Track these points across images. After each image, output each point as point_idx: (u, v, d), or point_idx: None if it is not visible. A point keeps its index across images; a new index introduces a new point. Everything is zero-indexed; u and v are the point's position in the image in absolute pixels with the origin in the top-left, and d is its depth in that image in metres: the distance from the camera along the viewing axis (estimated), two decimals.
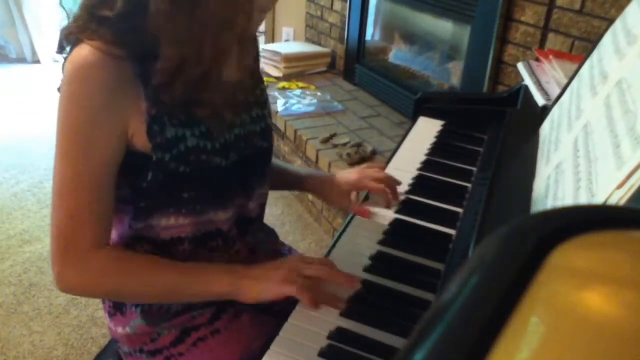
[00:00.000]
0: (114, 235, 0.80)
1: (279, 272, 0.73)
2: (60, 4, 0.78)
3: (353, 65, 2.72)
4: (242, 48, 0.73)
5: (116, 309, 0.85)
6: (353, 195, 0.99)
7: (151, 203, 0.77)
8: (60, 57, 0.75)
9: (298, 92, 2.60)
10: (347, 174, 1.00)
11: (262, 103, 0.87)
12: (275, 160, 1.02)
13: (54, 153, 0.71)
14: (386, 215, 0.94)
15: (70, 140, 0.69)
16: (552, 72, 1.11)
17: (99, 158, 0.70)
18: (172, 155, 0.73)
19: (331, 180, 1.00)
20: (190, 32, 0.67)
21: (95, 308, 1.76)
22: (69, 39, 0.71)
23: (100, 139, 0.69)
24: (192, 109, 0.73)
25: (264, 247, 0.95)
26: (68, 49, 0.73)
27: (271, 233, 1.02)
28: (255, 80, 0.87)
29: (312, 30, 3.04)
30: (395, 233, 0.89)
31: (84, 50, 0.67)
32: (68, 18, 0.73)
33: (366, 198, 0.99)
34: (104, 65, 0.67)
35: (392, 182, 0.98)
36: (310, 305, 0.72)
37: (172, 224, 0.78)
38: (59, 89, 0.71)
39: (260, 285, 0.73)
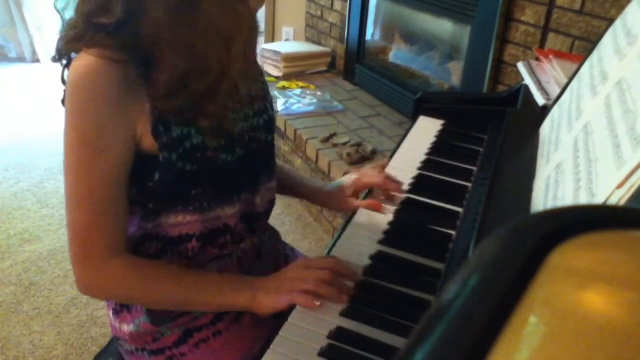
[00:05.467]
0: None
1: (286, 282, 0.75)
2: (55, 6, 0.77)
3: (353, 64, 2.72)
4: (245, 50, 0.73)
5: (123, 306, 0.85)
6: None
7: (159, 202, 0.77)
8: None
9: (298, 91, 2.59)
10: (347, 177, 1.02)
11: (264, 95, 0.88)
12: (284, 166, 1.05)
13: (63, 162, 0.71)
14: (386, 214, 0.94)
15: (81, 150, 0.69)
16: (552, 71, 1.11)
17: (110, 164, 0.70)
18: (179, 154, 0.73)
19: (334, 191, 1.01)
20: (192, 44, 0.67)
21: (95, 307, 1.77)
22: (67, 48, 0.71)
23: (110, 146, 0.70)
24: (195, 119, 0.73)
25: (266, 247, 0.96)
26: (65, 57, 0.73)
27: (274, 234, 1.03)
28: (255, 72, 0.87)
29: (312, 30, 3.04)
30: (395, 233, 0.89)
31: (86, 59, 0.67)
32: (62, 22, 0.73)
33: (367, 195, 1.00)
34: (106, 71, 0.67)
35: (392, 178, 0.99)
36: (310, 305, 0.72)
37: (179, 221, 0.79)
38: (62, 101, 0.70)
39: (271, 298, 0.74)
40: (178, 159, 0.73)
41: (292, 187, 1.04)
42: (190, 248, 0.81)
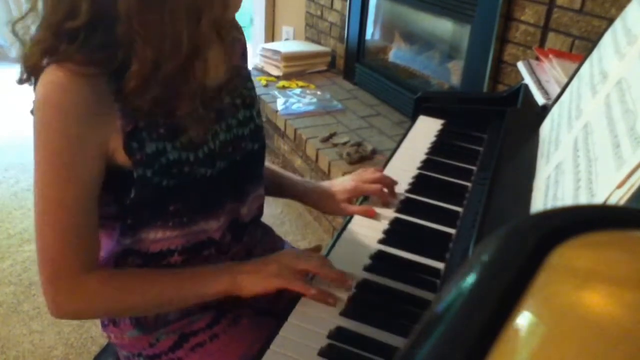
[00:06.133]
0: (104, 252, 0.79)
1: (272, 267, 0.75)
2: (14, 32, 0.71)
3: (353, 64, 2.72)
4: (223, 42, 0.71)
5: (109, 319, 0.84)
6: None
7: (137, 218, 0.76)
8: None
9: (298, 91, 2.59)
10: (343, 182, 0.99)
11: (250, 103, 0.85)
12: (272, 167, 1.02)
13: (34, 178, 0.69)
14: (386, 213, 0.94)
15: (51, 167, 0.67)
16: (552, 71, 1.11)
17: (82, 182, 0.68)
18: (154, 171, 0.71)
19: (328, 192, 0.99)
20: (163, 27, 0.64)
21: None
22: (35, 66, 0.68)
23: (81, 163, 0.68)
24: (171, 107, 0.70)
25: (260, 246, 0.94)
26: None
27: (268, 231, 1.01)
28: (241, 80, 0.85)
29: (312, 30, 3.04)
30: (395, 232, 0.89)
31: (55, 75, 0.65)
32: (23, 46, 0.70)
33: (364, 200, 0.99)
34: (77, 87, 0.65)
35: (389, 181, 0.98)
36: (306, 291, 0.73)
37: (160, 237, 0.77)
38: (32, 112, 0.68)
39: (254, 279, 0.74)
40: (154, 175, 0.71)
41: (281, 188, 1.01)
42: (172, 262, 0.79)
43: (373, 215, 0.93)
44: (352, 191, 0.97)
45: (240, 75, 0.84)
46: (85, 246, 0.71)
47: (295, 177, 1.06)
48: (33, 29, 0.69)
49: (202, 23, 0.66)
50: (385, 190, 0.97)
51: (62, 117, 0.66)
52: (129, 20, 0.63)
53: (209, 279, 0.75)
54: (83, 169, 0.68)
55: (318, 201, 1.00)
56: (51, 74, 0.65)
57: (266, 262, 0.76)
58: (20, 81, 0.71)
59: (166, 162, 0.72)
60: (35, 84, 0.69)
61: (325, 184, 1.01)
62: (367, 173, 0.99)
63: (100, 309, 0.77)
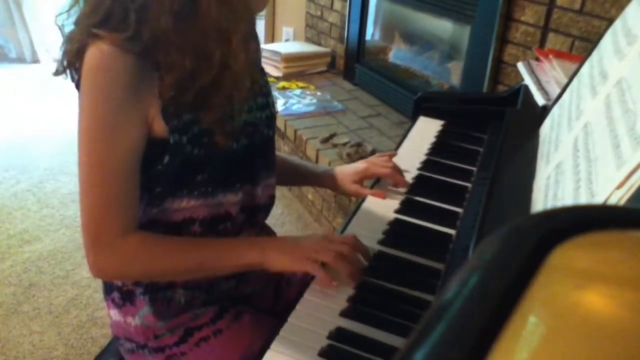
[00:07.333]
0: None
1: (303, 249, 0.77)
2: (56, 23, 0.78)
3: (353, 65, 2.72)
4: (246, 43, 0.76)
5: (125, 299, 0.86)
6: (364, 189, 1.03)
7: (166, 187, 0.79)
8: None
9: (298, 91, 2.59)
10: (355, 165, 1.06)
11: (266, 92, 0.90)
12: (286, 156, 1.08)
13: (77, 145, 0.72)
14: (391, 205, 0.97)
15: (96, 130, 0.71)
16: (552, 71, 1.11)
17: (125, 145, 0.72)
18: (188, 138, 0.76)
19: (341, 174, 1.05)
20: (195, 42, 0.70)
21: (95, 308, 1.77)
22: (72, 61, 0.73)
23: (124, 127, 0.71)
24: (199, 115, 0.75)
25: None
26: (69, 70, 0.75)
27: (271, 235, 1.04)
28: (258, 71, 0.90)
29: (312, 30, 3.04)
30: (395, 233, 0.89)
31: (102, 46, 0.69)
32: (64, 37, 0.74)
33: (375, 184, 1.04)
34: (123, 56, 0.69)
35: (398, 169, 1.03)
36: (326, 283, 0.74)
37: (184, 206, 0.81)
38: (77, 86, 0.72)
39: (285, 258, 0.76)
40: (187, 142, 0.76)
41: (296, 175, 1.07)
42: (192, 232, 0.83)
43: (383, 198, 0.99)
44: (363, 172, 1.03)
45: (258, 66, 0.89)
46: (126, 210, 0.75)
47: (309, 163, 1.13)
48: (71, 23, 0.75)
49: (233, 42, 0.71)
50: (396, 172, 1.02)
51: (111, 84, 0.70)
52: (162, 32, 0.68)
53: (239, 251, 0.78)
54: (127, 136, 0.72)
55: (332, 182, 1.06)
56: (97, 46, 0.69)
57: (299, 244, 0.78)
58: (57, 72, 0.76)
59: (198, 131, 0.76)
60: (77, 77, 0.73)
61: (338, 167, 1.08)
62: (379, 159, 1.06)
63: (137, 271, 0.79)
